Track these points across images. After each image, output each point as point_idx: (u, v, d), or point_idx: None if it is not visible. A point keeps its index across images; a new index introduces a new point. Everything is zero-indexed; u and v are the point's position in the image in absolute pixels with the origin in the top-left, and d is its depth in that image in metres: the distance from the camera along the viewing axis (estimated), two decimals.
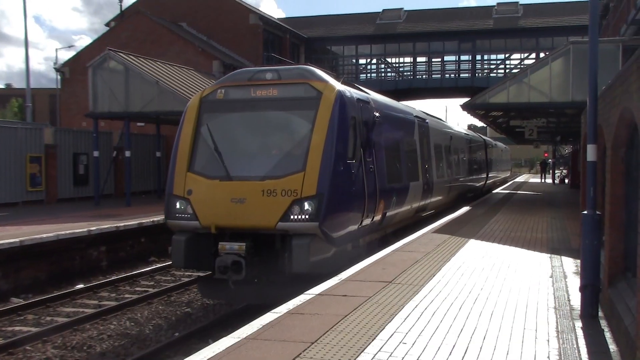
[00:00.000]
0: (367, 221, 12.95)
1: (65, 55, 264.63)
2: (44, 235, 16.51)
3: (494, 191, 41.03)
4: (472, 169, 32.04)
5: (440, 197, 22.29)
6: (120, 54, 27.05)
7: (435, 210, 22.23)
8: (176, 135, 12.62)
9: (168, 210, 12.04)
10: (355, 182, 12.17)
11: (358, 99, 13.00)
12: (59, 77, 42.56)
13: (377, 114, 13.95)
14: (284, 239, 11.42)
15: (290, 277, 11.27)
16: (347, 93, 12.44)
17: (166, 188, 12.37)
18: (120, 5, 46.10)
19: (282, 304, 8.44)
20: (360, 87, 14.83)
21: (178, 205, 11.84)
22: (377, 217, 13.74)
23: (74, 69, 38.80)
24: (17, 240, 15.72)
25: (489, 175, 40.46)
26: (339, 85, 12.34)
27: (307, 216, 11.05)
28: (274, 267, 11.65)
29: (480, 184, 36.13)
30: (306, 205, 11.05)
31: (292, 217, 11.09)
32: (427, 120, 21.25)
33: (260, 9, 51.22)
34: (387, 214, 14.58)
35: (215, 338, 7.96)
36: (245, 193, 11.39)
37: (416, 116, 19.68)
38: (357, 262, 11.76)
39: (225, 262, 11.25)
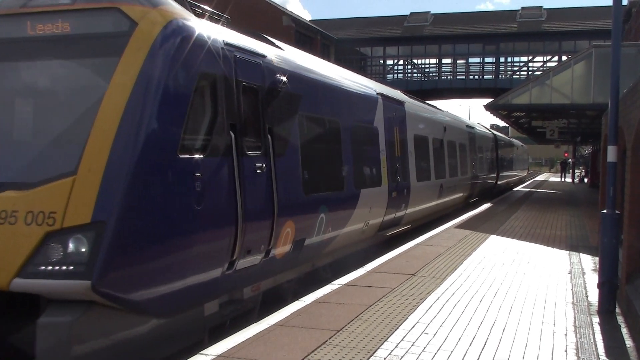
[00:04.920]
0: (249, 260, 7.90)
1: None
2: None
3: (515, 189, 40.83)
4: (476, 168, 27.05)
5: (424, 206, 17.47)
6: None
7: (417, 223, 17.37)
8: None
9: None
10: (203, 194, 6.92)
11: (227, 45, 7.72)
12: None
13: (283, 79, 8.79)
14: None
15: None
16: (193, 27, 7.17)
17: None
18: None
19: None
20: (261, 35, 9.76)
21: None
22: (281, 249, 8.83)
23: None
24: None
25: (500, 175, 35.95)
26: (177, 12, 7.13)
27: (71, 266, 5.87)
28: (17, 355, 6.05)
29: (488, 185, 31.84)
30: (71, 245, 5.92)
31: (43, 267, 5.89)
32: (403, 103, 16.00)
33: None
34: (308, 240, 9.73)
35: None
36: None
37: (380, 94, 14.02)
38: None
39: None
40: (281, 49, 9.83)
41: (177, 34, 6.87)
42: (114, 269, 5.94)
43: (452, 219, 19.35)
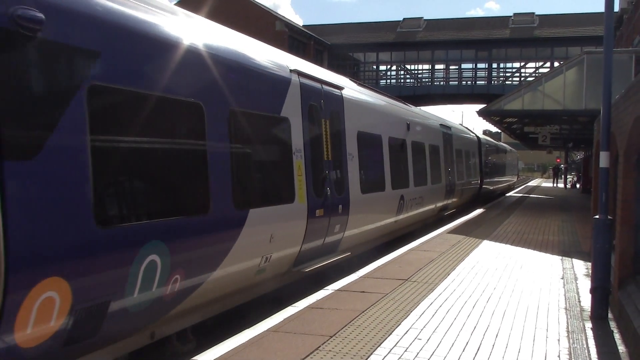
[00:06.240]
0: None
1: None
2: None
3: (507, 194, 40.82)
4: (453, 174, 22.92)
5: (375, 225, 13.57)
6: None
7: (365, 247, 13.60)
8: None
9: None
10: None
11: None
12: None
13: (39, 17, 4.74)
14: None
15: None
16: None
17: None
18: None
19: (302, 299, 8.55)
20: None
21: None
22: (33, 333, 4.74)
23: None
24: None
25: (485, 181, 32.12)
26: None
27: None
28: None
29: (469, 194, 27.82)
30: None
31: None
32: (340, 89, 11.79)
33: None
34: (118, 304, 5.67)
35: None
36: None
37: (297, 72, 9.87)
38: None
39: None
40: None
41: None
42: None
43: (433, 230, 19.30)
